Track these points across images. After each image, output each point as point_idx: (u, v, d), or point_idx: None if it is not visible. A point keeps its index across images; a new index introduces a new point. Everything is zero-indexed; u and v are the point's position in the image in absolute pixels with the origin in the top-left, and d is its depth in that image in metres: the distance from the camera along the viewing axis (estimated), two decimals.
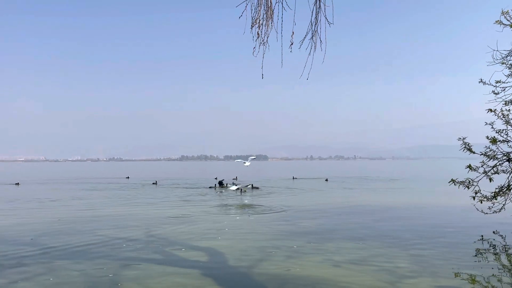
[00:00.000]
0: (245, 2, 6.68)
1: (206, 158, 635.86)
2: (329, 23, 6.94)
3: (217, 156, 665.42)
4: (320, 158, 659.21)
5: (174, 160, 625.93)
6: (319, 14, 7.00)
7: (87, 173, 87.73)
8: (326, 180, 53.86)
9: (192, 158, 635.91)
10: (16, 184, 47.28)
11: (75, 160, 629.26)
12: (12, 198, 31.61)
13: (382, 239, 14.82)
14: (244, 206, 25.19)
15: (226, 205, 26.14)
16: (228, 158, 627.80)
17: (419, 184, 46.76)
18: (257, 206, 25.05)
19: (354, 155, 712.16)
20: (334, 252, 12.77)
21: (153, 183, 48.54)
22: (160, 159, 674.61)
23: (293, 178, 58.76)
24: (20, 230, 17.22)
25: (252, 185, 39.03)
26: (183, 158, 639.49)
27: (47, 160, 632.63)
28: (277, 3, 6.81)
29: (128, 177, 63.67)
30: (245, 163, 47.65)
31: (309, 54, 7.04)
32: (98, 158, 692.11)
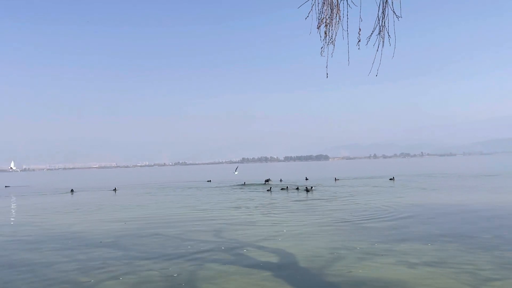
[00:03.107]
0: (310, 2, 6.70)
1: (266, 160, 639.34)
2: (397, 17, 6.76)
3: (277, 157, 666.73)
4: (384, 157, 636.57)
5: (235, 162, 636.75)
6: (386, 8, 6.83)
7: (167, 178, 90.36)
8: (391, 179, 51.64)
9: (253, 160, 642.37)
10: (113, 190, 49.20)
11: (143, 166, 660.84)
12: (120, 202, 33.83)
13: (461, 239, 14.00)
14: (299, 208, 25.04)
15: (280, 206, 26.14)
16: (288, 159, 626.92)
17: (498, 182, 43.47)
18: (313, 208, 24.79)
19: (421, 152, 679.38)
20: (408, 254, 12.25)
21: (243, 184, 50.18)
22: (222, 162, 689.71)
23: (335, 179, 54.86)
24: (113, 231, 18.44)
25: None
26: (243, 160, 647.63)
27: (118, 166, 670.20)
28: (342, 1, 6.76)
29: (209, 181, 63.78)
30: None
31: (377, 50, 6.88)
32: (164, 163, 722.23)
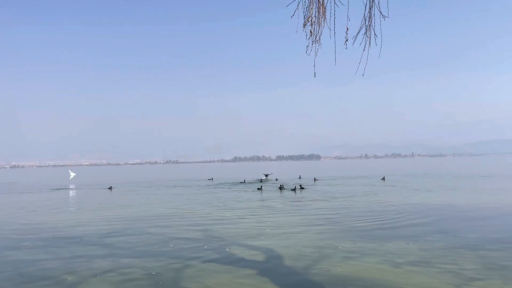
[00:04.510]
0: (296, 1, 6.70)
1: (258, 159, 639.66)
2: (384, 17, 6.77)
3: (269, 156, 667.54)
4: (376, 157, 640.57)
5: (227, 161, 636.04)
6: (373, 8, 6.85)
7: (165, 175, 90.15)
8: (382, 179, 51.99)
9: (245, 159, 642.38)
10: (109, 188, 48.49)
11: (135, 164, 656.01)
12: (120, 201, 33.56)
13: (446, 239, 14.09)
14: (285, 207, 25.08)
15: (267, 205, 26.15)
16: (280, 158, 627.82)
17: (485, 183, 43.88)
18: (299, 207, 24.83)
19: (412, 153, 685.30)
20: (393, 253, 12.30)
21: (241, 182, 50.94)
22: (214, 161, 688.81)
23: (315, 180, 54.20)
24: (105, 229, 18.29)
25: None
26: (236, 159, 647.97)
27: (109, 164, 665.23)
28: (329, 0, 6.75)
29: (211, 179, 63.27)
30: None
31: (364, 49, 6.90)
32: (156, 161, 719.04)
